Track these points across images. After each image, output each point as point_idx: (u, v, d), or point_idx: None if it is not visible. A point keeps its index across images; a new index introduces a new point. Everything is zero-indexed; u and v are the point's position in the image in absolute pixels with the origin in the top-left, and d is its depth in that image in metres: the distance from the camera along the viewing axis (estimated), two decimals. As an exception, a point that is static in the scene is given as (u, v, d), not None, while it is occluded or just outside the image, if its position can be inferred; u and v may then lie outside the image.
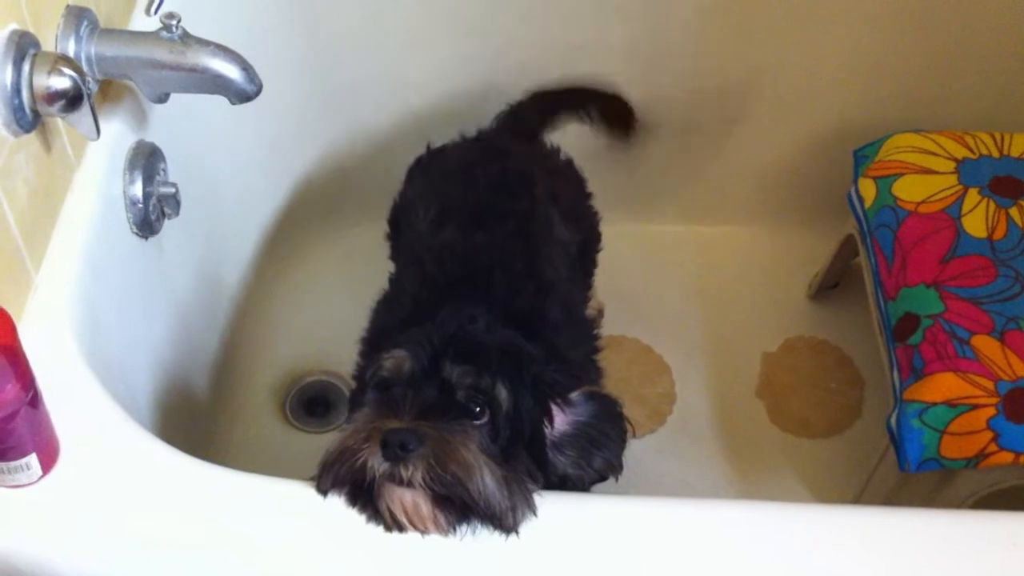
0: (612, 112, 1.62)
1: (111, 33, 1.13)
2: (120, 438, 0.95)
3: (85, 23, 1.10)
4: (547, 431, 0.98)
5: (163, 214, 1.25)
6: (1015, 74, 1.70)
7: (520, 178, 1.34)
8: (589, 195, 1.53)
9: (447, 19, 1.67)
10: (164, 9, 1.14)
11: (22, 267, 1.01)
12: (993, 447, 1.24)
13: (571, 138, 1.58)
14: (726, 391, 1.69)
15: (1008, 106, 1.72)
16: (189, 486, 0.92)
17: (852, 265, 1.72)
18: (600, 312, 1.67)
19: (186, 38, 1.11)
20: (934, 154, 1.53)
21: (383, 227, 1.48)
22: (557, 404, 0.99)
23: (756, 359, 1.73)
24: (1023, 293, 1.35)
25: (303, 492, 0.91)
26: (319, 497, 0.90)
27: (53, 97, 0.98)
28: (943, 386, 1.28)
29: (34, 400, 0.86)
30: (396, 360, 0.97)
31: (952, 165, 1.52)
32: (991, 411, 1.25)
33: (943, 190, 1.48)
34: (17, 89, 0.96)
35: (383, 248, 1.48)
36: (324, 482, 0.91)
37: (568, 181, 1.49)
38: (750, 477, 1.59)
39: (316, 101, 1.71)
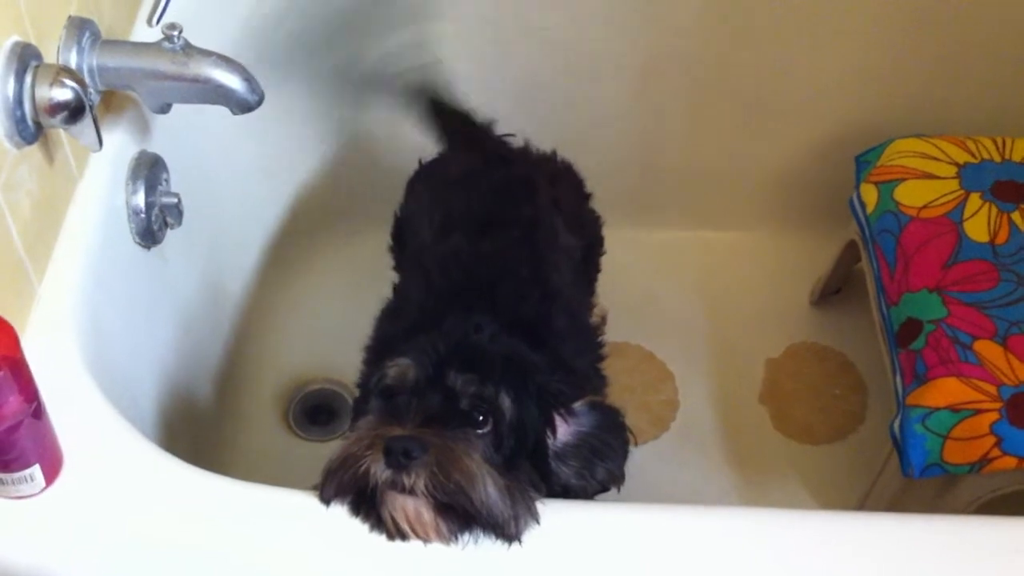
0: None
1: (113, 44, 1.13)
2: (123, 449, 0.95)
3: (87, 34, 1.10)
4: (550, 441, 0.98)
5: (166, 224, 1.26)
6: (1017, 79, 1.70)
7: (523, 185, 1.34)
8: (589, 196, 1.52)
9: (453, 26, 1.67)
10: (166, 20, 1.14)
11: (25, 278, 1.02)
12: (996, 452, 1.24)
13: (572, 138, 1.58)
14: (729, 397, 1.69)
15: (1010, 111, 1.72)
16: (192, 497, 0.92)
17: (854, 271, 1.72)
18: (603, 318, 1.66)
19: (188, 49, 1.11)
20: (936, 159, 1.53)
21: (386, 235, 1.48)
22: (560, 414, 0.99)
23: (759, 365, 1.73)
24: (1026, 298, 1.35)
25: (306, 502, 0.91)
26: (322, 507, 0.90)
27: (55, 109, 0.98)
28: (946, 391, 1.28)
29: (37, 411, 0.87)
30: (400, 368, 0.97)
31: (954, 170, 1.51)
32: (994, 416, 1.25)
33: (945, 195, 1.48)
34: (19, 101, 0.96)
35: (386, 256, 1.48)
36: (327, 490, 0.90)
37: (569, 186, 1.49)
38: (754, 483, 1.59)
39: (318, 109, 1.72)
